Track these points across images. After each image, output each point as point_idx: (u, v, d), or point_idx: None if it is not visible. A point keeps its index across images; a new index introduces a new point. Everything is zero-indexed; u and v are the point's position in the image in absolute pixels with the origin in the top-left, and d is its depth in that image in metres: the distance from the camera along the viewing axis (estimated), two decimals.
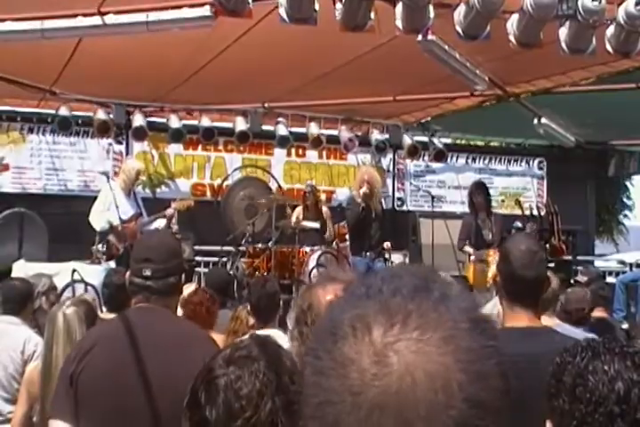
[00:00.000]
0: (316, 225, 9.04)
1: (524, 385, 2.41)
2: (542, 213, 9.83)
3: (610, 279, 10.30)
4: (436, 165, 11.94)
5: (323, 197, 10.98)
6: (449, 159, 11.40)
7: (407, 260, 9.44)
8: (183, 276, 2.81)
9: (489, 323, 0.81)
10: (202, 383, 1.48)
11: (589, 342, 1.65)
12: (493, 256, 7.72)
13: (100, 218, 8.02)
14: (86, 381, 2.48)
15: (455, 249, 9.01)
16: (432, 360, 0.74)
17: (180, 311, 3.94)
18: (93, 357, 2.52)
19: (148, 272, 2.65)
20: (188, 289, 4.34)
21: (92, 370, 2.49)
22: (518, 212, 9.79)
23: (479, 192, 8.78)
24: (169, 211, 8.38)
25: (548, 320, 3.90)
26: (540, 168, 12.78)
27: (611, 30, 5.51)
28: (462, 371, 0.75)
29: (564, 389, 1.59)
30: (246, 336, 1.71)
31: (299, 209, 9.31)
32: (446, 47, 6.23)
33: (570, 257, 9.63)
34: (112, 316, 4.31)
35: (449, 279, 0.83)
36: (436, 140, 10.54)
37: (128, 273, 2.74)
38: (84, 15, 5.60)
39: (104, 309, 4.69)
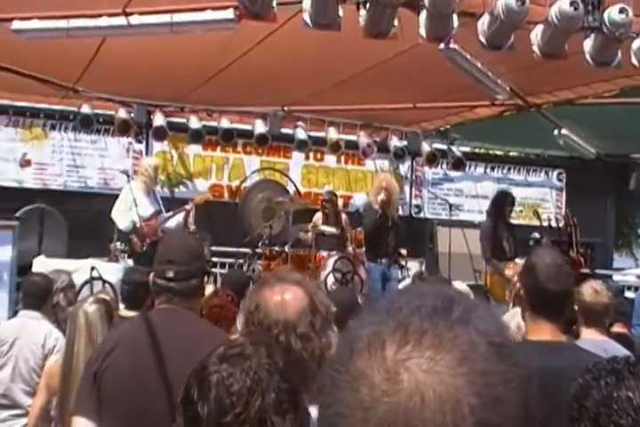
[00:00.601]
0: (334, 230, 9.06)
1: (544, 400, 2.40)
2: (561, 225, 9.77)
3: (628, 294, 10.20)
4: (454, 174, 11.90)
5: (340, 202, 11.00)
6: (467, 168, 11.36)
7: (423, 268, 9.42)
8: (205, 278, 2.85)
9: (511, 348, 0.79)
10: (195, 380, 1.51)
11: (613, 365, 1.60)
12: (514, 269, 7.67)
13: (123, 217, 8.10)
14: (109, 380, 2.51)
15: (472, 258, 8.96)
16: (443, 381, 0.74)
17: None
18: (116, 357, 2.55)
19: (171, 274, 2.68)
20: (207, 290, 4.34)
21: (115, 370, 2.53)
22: (536, 223, 9.73)
23: (509, 203, 8.72)
24: (187, 206, 8.45)
25: (594, 334, 3.86)
26: (560, 179, 12.71)
27: (637, 43, 5.48)
28: (475, 394, 0.73)
29: (587, 415, 1.55)
30: None
31: (318, 214, 9.33)
32: (468, 56, 6.22)
33: (588, 270, 9.54)
34: (131, 313, 4.35)
35: (478, 302, 0.83)
36: (454, 149, 10.52)
37: (152, 274, 2.77)
38: (110, 15, 5.65)
39: (121, 306, 4.73)
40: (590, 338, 4.08)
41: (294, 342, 1.93)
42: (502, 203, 8.73)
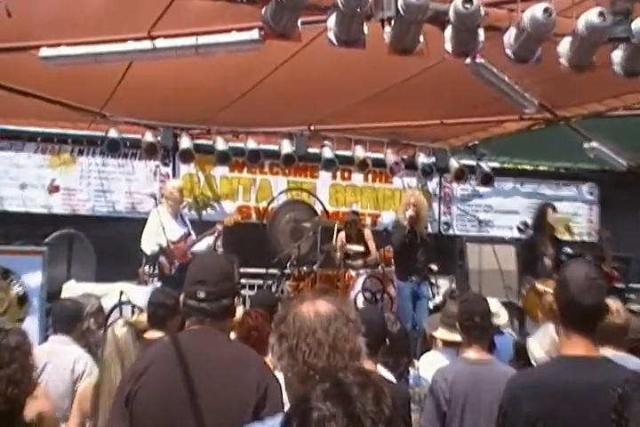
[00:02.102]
0: (362, 248, 9.01)
1: (580, 414, 2.37)
2: (594, 240, 9.64)
3: None
4: (483, 190, 11.80)
5: (368, 220, 10.96)
6: (496, 183, 11.26)
7: (454, 285, 9.32)
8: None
9: None
10: (296, 412, 1.47)
11: None
12: (551, 286, 7.55)
13: (150, 242, 8.12)
14: (141, 401, 2.51)
15: (503, 274, 8.85)
16: None
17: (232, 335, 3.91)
18: (148, 378, 2.54)
19: (202, 294, 2.67)
20: (238, 312, 4.30)
21: (147, 391, 2.52)
22: (568, 237, 9.60)
23: (550, 215, 8.63)
24: (217, 226, 8.45)
25: (609, 351, 3.79)
26: (591, 193, 12.56)
27: None
28: None
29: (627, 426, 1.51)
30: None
31: (342, 234, 9.31)
32: (495, 70, 6.16)
33: (622, 285, 9.39)
34: (155, 333, 4.31)
35: None
36: (483, 164, 10.43)
37: (182, 295, 2.76)
38: (135, 39, 5.67)
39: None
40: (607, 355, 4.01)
41: (324, 337, 1.94)
42: (542, 216, 8.64)
